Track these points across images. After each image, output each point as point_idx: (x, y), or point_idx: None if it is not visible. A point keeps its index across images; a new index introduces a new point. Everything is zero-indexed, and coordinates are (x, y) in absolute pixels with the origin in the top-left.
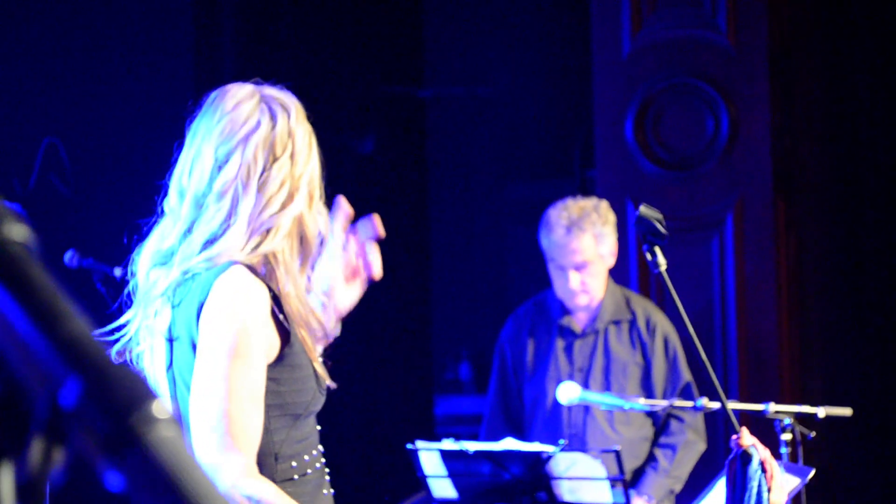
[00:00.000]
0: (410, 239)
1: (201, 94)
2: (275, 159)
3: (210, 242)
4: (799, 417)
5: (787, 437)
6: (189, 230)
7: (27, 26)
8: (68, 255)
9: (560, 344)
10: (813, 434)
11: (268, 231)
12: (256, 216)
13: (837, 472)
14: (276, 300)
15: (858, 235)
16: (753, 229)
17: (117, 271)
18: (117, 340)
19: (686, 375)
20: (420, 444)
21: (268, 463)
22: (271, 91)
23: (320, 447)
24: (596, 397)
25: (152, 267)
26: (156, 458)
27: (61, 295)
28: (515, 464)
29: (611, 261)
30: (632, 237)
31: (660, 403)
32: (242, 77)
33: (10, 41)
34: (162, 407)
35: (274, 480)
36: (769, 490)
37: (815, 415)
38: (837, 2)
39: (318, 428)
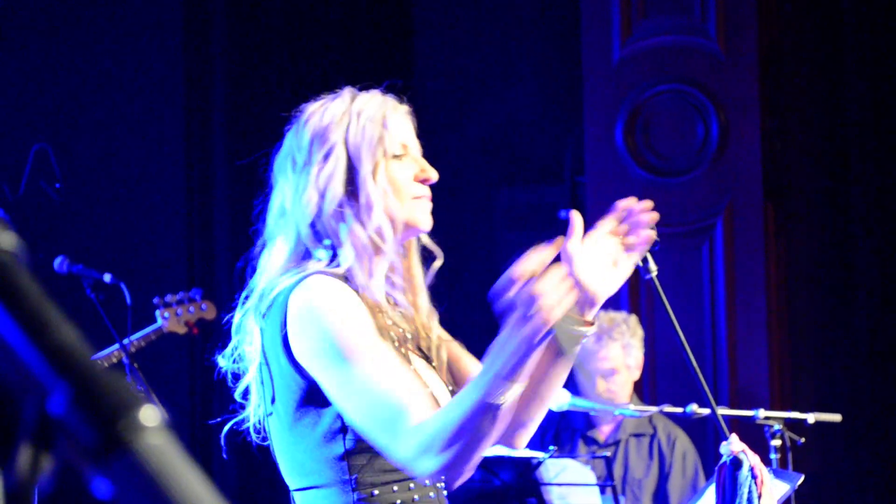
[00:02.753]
0: None
1: (191, 99)
2: (293, 168)
3: (286, 260)
4: (788, 423)
5: (776, 442)
6: (267, 259)
7: (16, 33)
8: (58, 261)
9: (582, 451)
10: (802, 440)
11: (325, 234)
12: (303, 228)
13: (827, 478)
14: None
15: (848, 241)
16: (743, 234)
17: (107, 277)
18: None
19: None
20: None
21: (341, 490)
22: (308, 104)
23: (426, 481)
24: (585, 403)
25: (247, 302)
26: (143, 466)
27: (49, 303)
28: (505, 470)
29: (636, 373)
30: None
31: (649, 410)
32: (233, 82)
33: (0, 48)
34: (150, 414)
35: None
36: (759, 496)
37: (804, 421)
38: (827, 7)
39: None
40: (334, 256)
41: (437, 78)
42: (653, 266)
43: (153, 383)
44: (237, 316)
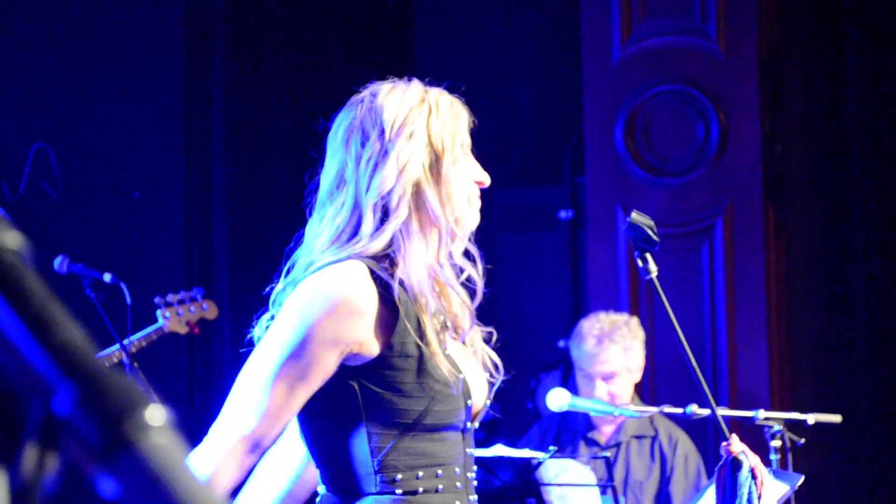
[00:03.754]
0: None
1: (190, 98)
2: (364, 139)
3: (327, 241)
4: (788, 424)
5: (776, 443)
6: (306, 245)
7: (15, 33)
8: (58, 261)
9: (583, 453)
10: (802, 441)
11: (385, 208)
12: (364, 198)
13: (827, 479)
14: (390, 294)
15: (848, 241)
16: (743, 235)
17: (107, 276)
18: None
19: None
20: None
21: (361, 473)
22: (378, 84)
23: (456, 469)
24: (586, 403)
25: (283, 290)
26: (149, 465)
27: (55, 302)
28: (505, 470)
29: (637, 376)
30: (621, 244)
31: (649, 410)
32: (233, 80)
33: (0, 48)
34: (156, 414)
35: (372, 492)
36: (759, 497)
37: (804, 421)
38: (827, 8)
39: (469, 450)
40: (374, 233)
41: (435, 78)
42: (653, 267)
43: (153, 383)
44: (277, 287)
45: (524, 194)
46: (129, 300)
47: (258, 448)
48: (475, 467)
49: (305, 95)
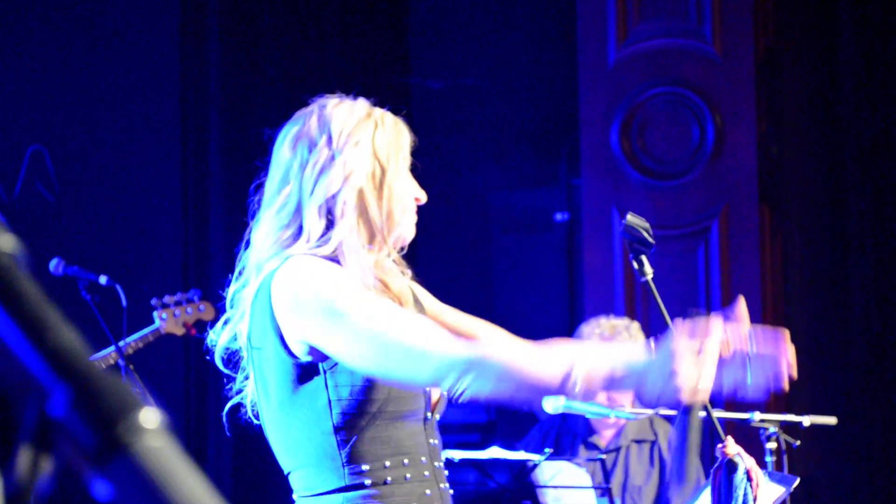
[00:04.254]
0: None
1: (187, 100)
2: (311, 145)
3: (272, 244)
4: (784, 426)
5: (772, 445)
6: (254, 247)
7: (11, 36)
8: (54, 263)
9: (583, 456)
10: (798, 443)
11: (330, 214)
12: (306, 200)
13: (822, 481)
14: None
15: (843, 244)
16: (739, 237)
17: (102, 279)
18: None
19: None
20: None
21: (330, 465)
22: (325, 97)
23: (422, 458)
24: (580, 406)
25: (238, 291)
26: (143, 468)
27: (49, 305)
28: (501, 472)
29: None
30: (616, 246)
31: (645, 412)
32: (228, 82)
33: None
34: (150, 416)
35: (337, 487)
36: (755, 499)
37: (800, 423)
38: (823, 10)
39: (433, 441)
40: (321, 238)
41: (433, 80)
42: (648, 269)
43: (148, 385)
44: (230, 290)
45: (520, 196)
46: (124, 302)
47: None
48: (443, 458)
49: (303, 98)
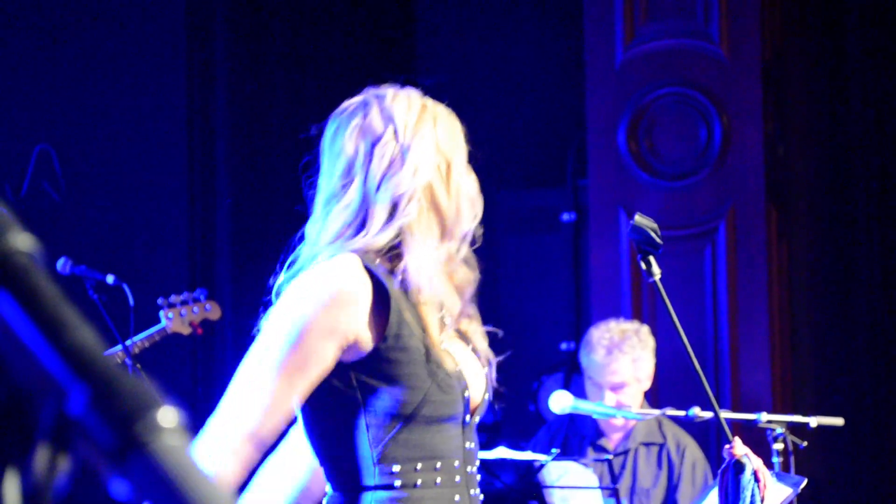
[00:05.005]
0: None
1: (193, 99)
2: (376, 139)
3: (332, 237)
4: (791, 427)
5: (778, 446)
6: (309, 240)
7: (19, 34)
8: (61, 263)
9: (591, 458)
10: (805, 444)
11: (395, 204)
12: (374, 194)
13: (829, 482)
14: (383, 287)
15: (850, 245)
16: (746, 238)
17: (109, 278)
18: None
19: None
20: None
21: (362, 466)
22: (377, 89)
23: (455, 463)
24: (588, 406)
25: (283, 284)
26: (161, 467)
27: (66, 304)
28: (507, 472)
29: (647, 384)
30: (623, 246)
31: (652, 413)
32: (234, 81)
33: (2, 49)
34: (168, 415)
35: (366, 486)
36: (762, 500)
37: (806, 424)
38: (830, 12)
39: (469, 444)
40: (383, 227)
41: (438, 80)
42: (656, 269)
43: (155, 384)
44: (280, 278)
45: (527, 196)
46: (131, 302)
47: (261, 444)
48: (478, 462)
49: (309, 97)
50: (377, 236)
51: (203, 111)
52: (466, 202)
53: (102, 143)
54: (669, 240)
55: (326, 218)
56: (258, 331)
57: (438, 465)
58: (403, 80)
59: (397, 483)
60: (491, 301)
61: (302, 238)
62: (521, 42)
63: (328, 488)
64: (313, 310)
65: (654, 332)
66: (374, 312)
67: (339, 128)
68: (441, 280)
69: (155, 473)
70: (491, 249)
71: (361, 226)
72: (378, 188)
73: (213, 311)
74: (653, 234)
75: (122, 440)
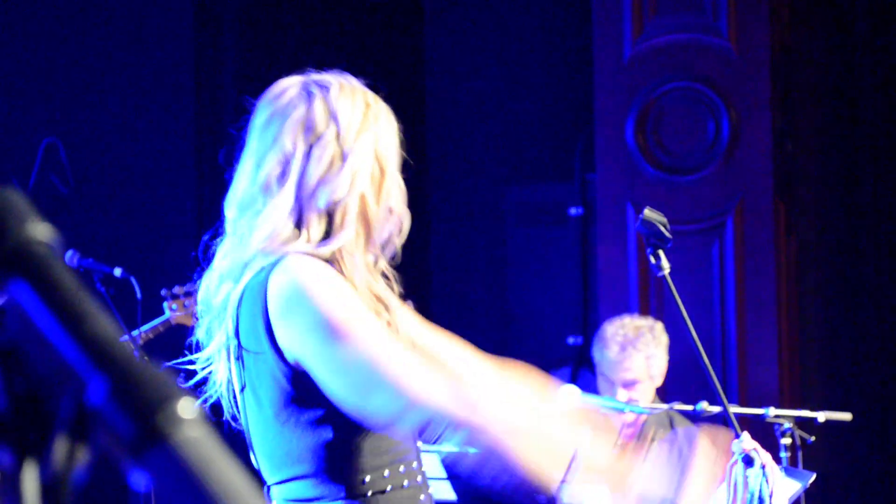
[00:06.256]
0: (409, 241)
1: (201, 94)
2: (317, 139)
3: (265, 239)
4: (799, 422)
5: (786, 441)
6: (242, 236)
7: (26, 27)
8: (68, 256)
9: None
10: (813, 438)
11: (331, 213)
12: (307, 199)
13: (837, 477)
14: None
15: (858, 239)
16: (754, 233)
17: (117, 271)
18: (196, 372)
19: None
20: (420, 446)
21: (329, 476)
22: (317, 75)
23: (414, 464)
24: (595, 400)
25: (220, 285)
26: (181, 458)
27: (86, 294)
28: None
29: (659, 381)
30: (631, 241)
31: (660, 406)
32: (243, 75)
33: (10, 42)
34: (188, 406)
35: (340, 497)
36: (770, 494)
37: (814, 419)
38: (838, 5)
39: (418, 444)
40: (323, 241)
41: (447, 75)
42: (665, 264)
43: None
44: (204, 286)
45: (534, 191)
46: (139, 295)
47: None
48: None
49: None
50: (320, 248)
51: (211, 105)
52: (392, 213)
53: (110, 136)
54: (677, 234)
55: (257, 215)
56: (197, 341)
57: (402, 468)
58: (413, 76)
59: (368, 492)
60: (498, 295)
61: (219, 233)
62: (529, 37)
63: (286, 501)
64: (328, 274)
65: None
66: None
67: (275, 113)
68: (377, 288)
69: (175, 465)
70: (498, 243)
71: (297, 228)
72: (313, 192)
73: None
74: (662, 229)
75: (143, 431)
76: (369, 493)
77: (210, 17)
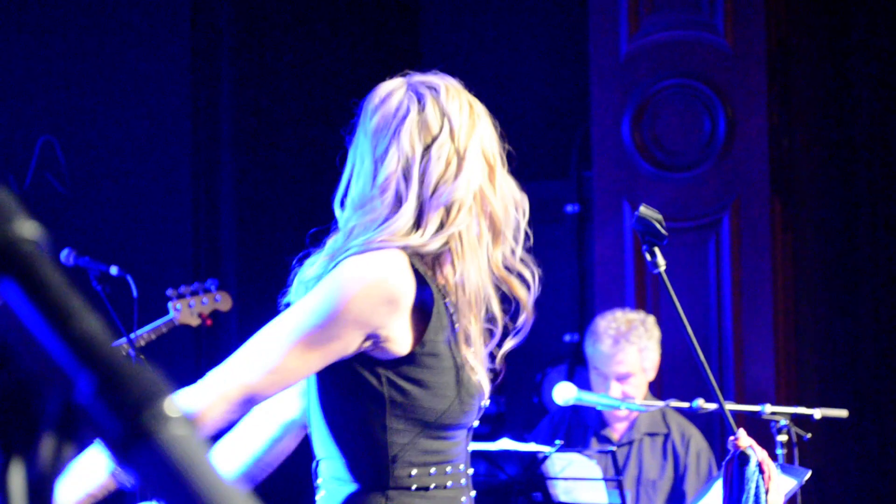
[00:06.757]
0: None
1: (198, 91)
2: (433, 140)
3: (375, 230)
4: (795, 419)
5: (783, 438)
6: (353, 229)
7: (23, 25)
8: (64, 254)
9: (595, 449)
10: (809, 435)
11: (448, 209)
12: (428, 198)
13: (833, 474)
14: (427, 291)
15: (854, 236)
16: (750, 230)
17: (113, 269)
18: None
19: None
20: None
21: (381, 463)
22: (418, 76)
23: (461, 466)
24: (592, 398)
25: (318, 260)
26: (167, 456)
27: (73, 292)
28: (511, 464)
29: (652, 375)
30: (627, 238)
31: (656, 404)
32: (240, 74)
33: (6, 40)
34: (175, 405)
35: (387, 485)
36: (766, 492)
37: (811, 416)
38: (835, 2)
39: (469, 447)
40: (437, 233)
41: (443, 71)
42: (661, 261)
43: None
44: (315, 264)
45: (531, 188)
46: (135, 293)
47: (252, 402)
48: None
49: (313, 89)
50: (430, 242)
51: (208, 104)
52: (512, 202)
53: (106, 134)
54: (674, 231)
55: (371, 213)
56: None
57: (449, 469)
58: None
59: (413, 486)
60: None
61: (333, 229)
62: (525, 33)
63: (322, 479)
64: (352, 294)
65: (658, 324)
66: (414, 315)
67: (386, 116)
68: (488, 290)
69: (161, 463)
70: None
71: (415, 227)
72: (434, 192)
73: (224, 302)
74: (658, 226)
75: (129, 429)
76: (413, 487)
77: (207, 15)
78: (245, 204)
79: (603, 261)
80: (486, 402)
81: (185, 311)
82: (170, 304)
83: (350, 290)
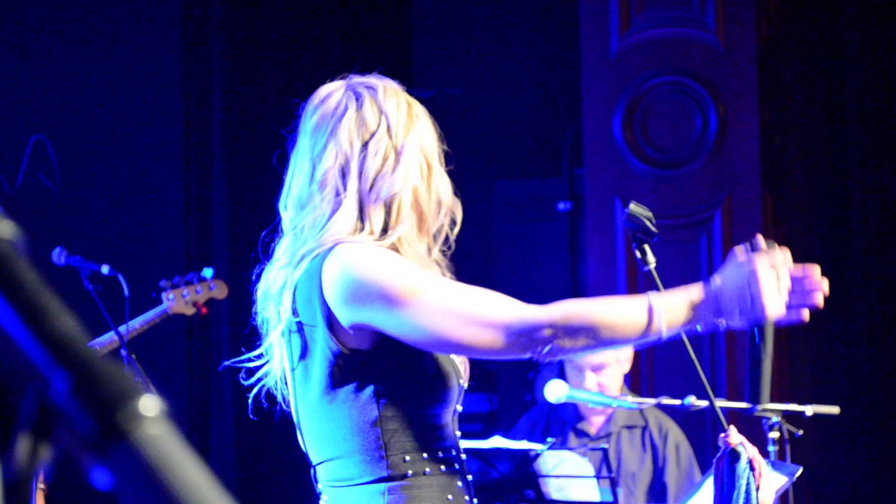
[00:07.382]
0: None
1: (189, 92)
2: (371, 136)
3: (320, 230)
4: (786, 415)
5: (774, 435)
6: (302, 230)
7: (14, 25)
8: (56, 253)
9: (573, 443)
10: (800, 432)
11: (388, 207)
12: (367, 192)
13: (825, 470)
14: None
15: (846, 233)
16: (741, 227)
17: (104, 268)
18: (258, 368)
19: None
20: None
21: (371, 456)
22: (358, 78)
23: (453, 451)
24: (584, 395)
25: (279, 273)
26: (143, 456)
27: (48, 291)
28: (503, 462)
29: (626, 366)
30: (619, 235)
31: (647, 402)
32: (231, 75)
33: None
34: (150, 404)
35: (384, 476)
36: (757, 488)
37: (802, 413)
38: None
39: (458, 432)
40: (384, 233)
41: (435, 69)
42: (651, 258)
43: (150, 373)
44: (263, 279)
45: (523, 186)
46: (126, 292)
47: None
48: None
49: (303, 85)
50: (381, 241)
51: (199, 102)
52: (441, 204)
53: (98, 133)
54: (665, 228)
55: (314, 210)
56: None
57: (441, 453)
58: (400, 70)
59: (409, 472)
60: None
61: (278, 231)
62: (516, 32)
63: (322, 485)
64: (368, 255)
65: None
66: None
67: (325, 115)
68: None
69: (136, 462)
70: (487, 238)
71: (359, 221)
72: (373, 186)
73: (220, 290)
74: (648, 223)
75: (104, 428)
76: (409, 473)
77: (198, 15)
78: (237, 204)
79: (595, 258)
80: (465, 383)
81: (179, 300)
82: (163, 295)
83: (362, 254)
